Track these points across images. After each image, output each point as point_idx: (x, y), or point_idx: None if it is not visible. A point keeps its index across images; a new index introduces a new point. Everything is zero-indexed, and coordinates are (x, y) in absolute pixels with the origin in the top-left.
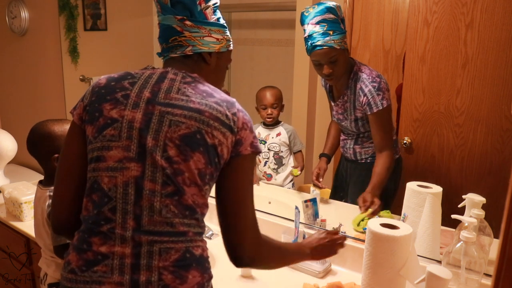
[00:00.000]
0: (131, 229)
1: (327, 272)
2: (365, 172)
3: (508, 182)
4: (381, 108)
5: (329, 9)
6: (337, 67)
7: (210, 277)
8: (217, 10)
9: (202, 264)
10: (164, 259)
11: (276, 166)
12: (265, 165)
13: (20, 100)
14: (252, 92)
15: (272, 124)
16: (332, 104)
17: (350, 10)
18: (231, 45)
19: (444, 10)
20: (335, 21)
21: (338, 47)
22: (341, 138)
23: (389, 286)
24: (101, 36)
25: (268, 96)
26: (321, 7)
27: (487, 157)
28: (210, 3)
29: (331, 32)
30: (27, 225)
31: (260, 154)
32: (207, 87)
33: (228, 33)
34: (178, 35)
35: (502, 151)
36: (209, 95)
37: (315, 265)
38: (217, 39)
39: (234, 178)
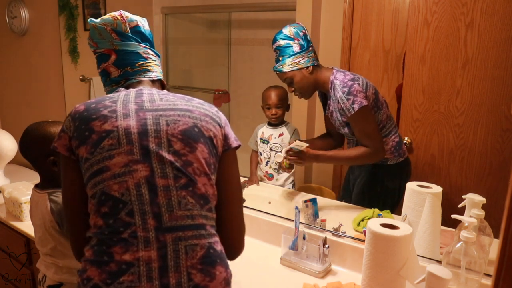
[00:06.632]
0: (153, 228)
1: (327, 272)
2: (368, 173)
3: (508, 182)
4: (353, 112)
5: (280, 38)
6: (296, 86)
7: (231, 273)
8: None
9: (224, 260)
10: (191, 257)
11: (277, 166)
12: (266, 164)
13: (20, 100)
14: (252, 92)
15: (276, 124)
16: (325, 115)
17: (350, 10)
18: None
19: (444, 10)
20: (285, 45)
21: (287, 70)
22: (346, 141)
23: (389, 286)
24: None
25: (273, 96)
26: (276, 36)
27: (487, 157)
28: None
29: (280, 58)
30: (27, 225)
31: (262, 153)
32: (184, 95)
33: None
34: (145, 60)
35: (502, 151)
36: (190, 100)
37: (315, 265)
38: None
39: (230, 171)
